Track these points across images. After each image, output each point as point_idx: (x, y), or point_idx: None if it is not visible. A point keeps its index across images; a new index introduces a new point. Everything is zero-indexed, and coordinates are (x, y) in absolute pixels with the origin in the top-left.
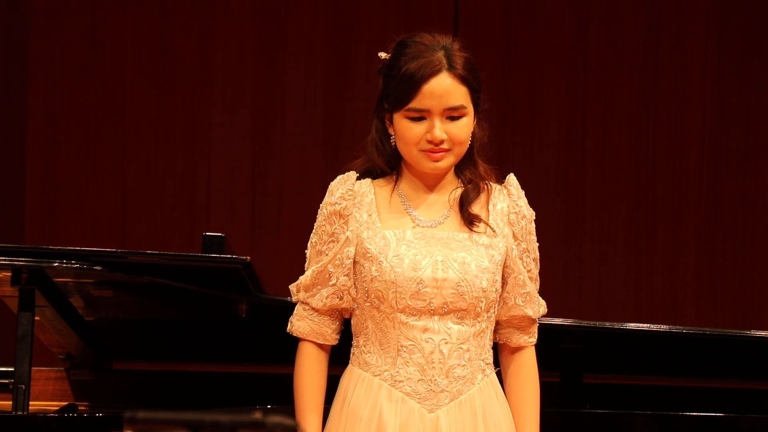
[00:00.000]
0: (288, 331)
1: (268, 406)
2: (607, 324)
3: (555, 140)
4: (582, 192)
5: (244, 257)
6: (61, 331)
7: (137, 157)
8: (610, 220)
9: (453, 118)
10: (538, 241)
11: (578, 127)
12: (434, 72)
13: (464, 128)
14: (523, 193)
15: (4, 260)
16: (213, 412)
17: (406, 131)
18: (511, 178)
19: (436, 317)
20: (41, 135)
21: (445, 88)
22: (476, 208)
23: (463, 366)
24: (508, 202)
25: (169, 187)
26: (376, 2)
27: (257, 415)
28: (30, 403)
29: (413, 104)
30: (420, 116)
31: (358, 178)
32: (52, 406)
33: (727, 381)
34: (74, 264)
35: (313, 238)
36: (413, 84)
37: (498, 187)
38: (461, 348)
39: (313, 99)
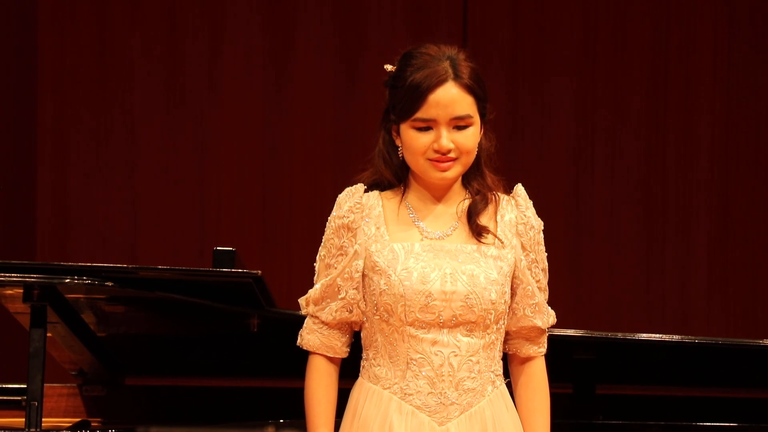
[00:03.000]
0: (298, 344)
1: (281, 420)
2: (619, 335)
3: (564, 150)
4: (591, 202)
5: (254, 271)
6: (73, 347)
7: (147, 172)
8: (620, 229)
9: (460, 128)
10: (548, 251)
11: (587, 137)
12: (440, 81)
13: (471, 137)
14: (530, 203)
15: (16, 277)
16: (226, 427)
17: (413, 141)
18: (519, 189)
19: (445, 330)
20: (51, 151)
21: (451, 97)
22: (484, 220)
23: (472, 378)
24: (516, 213)
25: (180, 202)
26: (385, 17)
27: (270, 430)
28: (43, 419)
29: (420, 114)
30: (427, 126)
31: (365, 191)
32: (65, 422)
33: (740, 391)
34: (85, 280)
35: (322, 251)
36: (419, 94)
37: (506, 197)
38: (471, 360)
39: (321, 113)
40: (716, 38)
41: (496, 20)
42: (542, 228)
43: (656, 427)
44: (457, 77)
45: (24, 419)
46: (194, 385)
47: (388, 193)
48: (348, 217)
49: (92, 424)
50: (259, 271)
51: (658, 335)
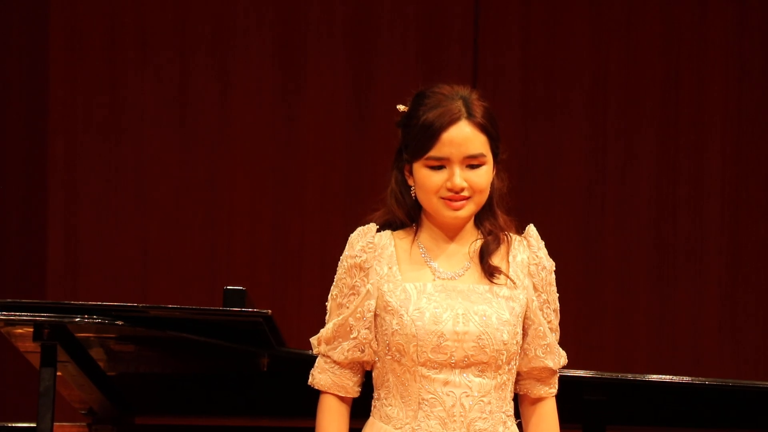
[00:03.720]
0: (309, 383)
1: None
2: (629, 376)
3: (575, 191)
4: (602, 242)
5: (265, 311)
6: (83, 386)
7: (158, 212)
8: (631, 270)
9: (473, 166)
10: (558, 291)
11: (599, 177)
12: (453, 120)
13: (484, 176)
14: (542, 243)
15: (26, 316)
16: None
17: (426, 180)
18: (531, 230)
19: (457, 370)
20: (62, 190)
21: (464, 136)
22: (496, 260)
23: (484, 419)
24: (528, 254)
25: (190, 240)
26: (396, 54)
27: None
28: None
29: (433, 152)
30: (440, 164)
31: (378, 230)
32: None
33: None
34: (96, 319)
35: (334, 290)
36: (432, 132)
37: (518, 238)
38: (482, 401)
39: (332, 151)
40: (727, 77)
41: (507, 60)
42: (554, 269)
43: None
44: (470, 116)
45: None
46: (204, 424)
47: (400, 233)
48: (360, 256)
49: None
50: (270, 311)
51: (668, 376)
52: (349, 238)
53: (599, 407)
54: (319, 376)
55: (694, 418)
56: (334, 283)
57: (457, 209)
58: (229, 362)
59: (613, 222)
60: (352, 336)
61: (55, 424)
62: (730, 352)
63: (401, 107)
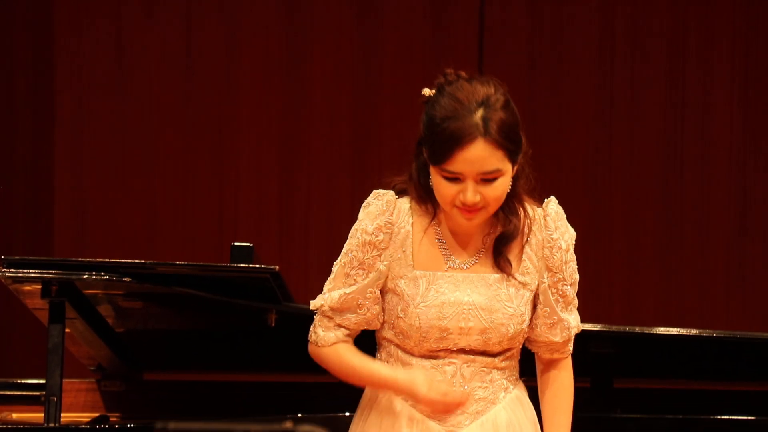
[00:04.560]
0: (311, 341)
1: (299, 415)
2: (637, 329)
3: (582, 148)
4: (610, 196)
5: (272, 267)
6: (91, 342)
7: (165, 169)
8: (639, 224)
9: (488, 180)
10: None
11: (605, 134)
12: (470, 140)
13: (499, 188)
14: (562, 219)
15: (34, 273)
16: (244, 421)
17: (440, 188)
18: (550, 207)
19: (460, 353)
20: (69, 148)
21: (480, 155)
22: (512, 248)
23: (484, 388)
24: (543, 235)
25: (197, 198)
26: (402, 16)
27: (288, 425)
28: (62, 414)
29: (447, 166)
30: (454, 177)
31: (397, 197)
32: (84, 417)
33: (758, 384)
34: (103, 275)
35: (343, 258)
36: (447, 147)
37: (537, 217)
38: (483, 371)
39: (339, 110)
40: (734, 43)
41: (513, 17)
42: (573, 241)
43: (674, 421)
44: (487, 134)
45: (43, 414)
46: (212, 380)
47: (418, 209)
48: (376, 236)
49: (111, 419)
50: (277, 267)
51: (675, 329)
52: (367, 204)
53: (606, 360)
54: (324, 333)
55: (701, 371)
56: (344, 250)
57: (469, 218)
58: (236, 318)
59: (620, 176)
60: (360, 311)
61: (64, 380)
62: (737, 304)
63: (426, 91)
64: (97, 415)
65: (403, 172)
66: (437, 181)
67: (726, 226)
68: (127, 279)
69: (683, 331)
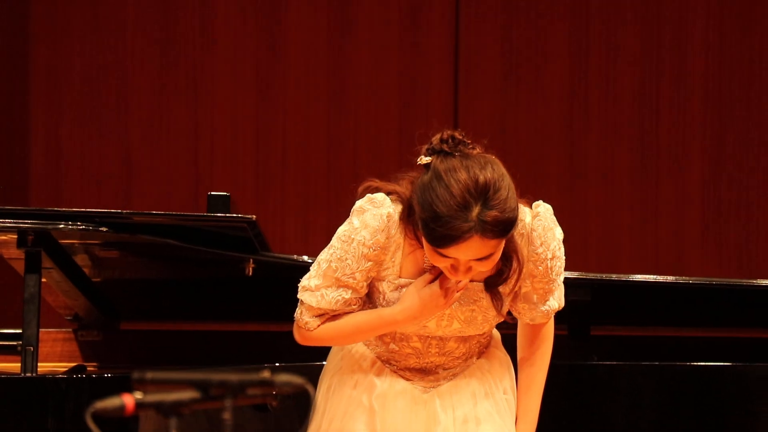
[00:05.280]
0: (302, 326)
1: (276, 364)
2: (614, 276)
3: (559, 92)
4: (586, 143)
5: (249, 216)
6: (68, 292)
7: (140, 118)
8: (615, 170)
9: (482, 258)
10: (542, 193)
11: (582, 78)
12: (465, 239)
13: (491, 263)
14: (549, 231)
15: (10, 223)
16: (221, 371)
17: (432, 258)
18: (537, 222)
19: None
20: (44, 97)
21: (475, 248)
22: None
23: (460, 350)
24: (528, 249)
25: (173, 146)
26: None
27: (266, 374)
28: (38, 364)
29: (440, 250)
30: (447, 256)
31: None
32: (61, 367)
33: (734, 330)
34: (80, 225)
35: (335, 262)
36: (442, 242)
37: (524, 232)
38: (460, 336)
39: (315, 53)
40: None
41: None
42: (561, 242)
43: (651, 367)
44: (483, 231)
45: (20, 364)
46: (189, 329)
47: (411, 230)
48: (374, 250)
49: (88, 368)
50: (254, 216)
51: (652, 276)
52: (362, 211)
53: (583, 308)
54: (310, 320)
55: (677, 317)
56: (336, 252)
57: (459, 280)
58: (213, 268)
59: (596, 122)
60: (350, 306)
61: (41, 330)
62: (713, 251)
63: (423, 159)
64: (74, 364)
65: (388, 178)
66: (429, 252)
67: (701, 171)
68: (104, 229)
69: (660, 278)
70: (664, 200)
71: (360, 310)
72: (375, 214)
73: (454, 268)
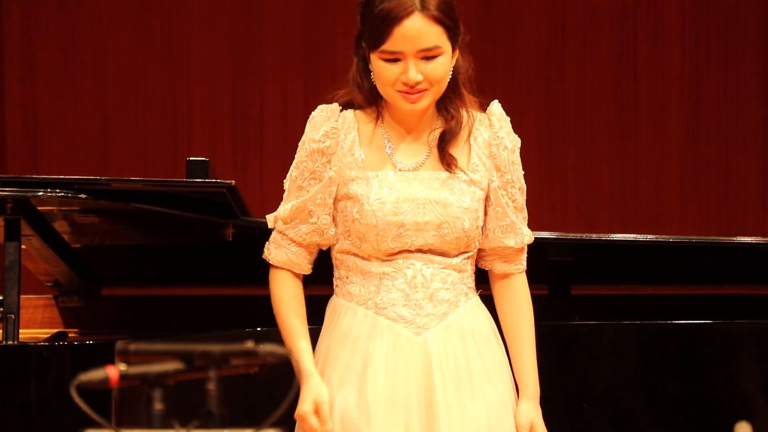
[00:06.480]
0: (264, 257)
1: (258, 328)
2: (593, 235)
3: (535, 52)
4: (564, 102)
5: (228, 181)
6: (48, 259)
7: (116, 84)
8: (593, 129)
9: (428, 58)
10: (522, 155)
11: (558, 37)
12: (406, 14)
13: (440, 67)
14: (506, 121)
15: None
16: (204, 338)
17: (382, 72)
18: (493, 107)
19: (417, 253)
20: (19, 64)
21: (418, 29)
22: (458, 145)
23: (446, 289)
24: (489, 133)
25: (150, 112)
26: None
27: (249, 344)
28: (19, 330)
29: (386, 46)
30: (394, 58)
31: (341, 109)
32: (42, 333)
33: (714, 287)
34: (58, 192)
35: (294, 172)
36: (385, 26)
37: (480, 117)
38: (443, 272)
39: (291, 21)
40: None
41: None
42: (519, 146)
43: (631, 326)
44: (424, 8)
45: (0, 332)
46: (171, 294)
47: (363, 115)
48: (323, 142)
49: (69, 334)
50: (233, 181)
51: (632, 235)
52: (311, 117)
53: (563, 268)
54: (275, 252)
55: (657, 276)
56: (294, 164)
57: (413, 102)
58: (193, 233)
59: (573, 81)
60: (311, 220)
61: (22, 296)
62: (693, 209)
63: None
64: (55, 331)
65: (345, 86)
66: (378, 67)
67: (680, 129)
68: (83, 195)
69: (639, 237)
70: (644, 157)
71: (320, 236)
72: (320, 109)
73: (405, 75)
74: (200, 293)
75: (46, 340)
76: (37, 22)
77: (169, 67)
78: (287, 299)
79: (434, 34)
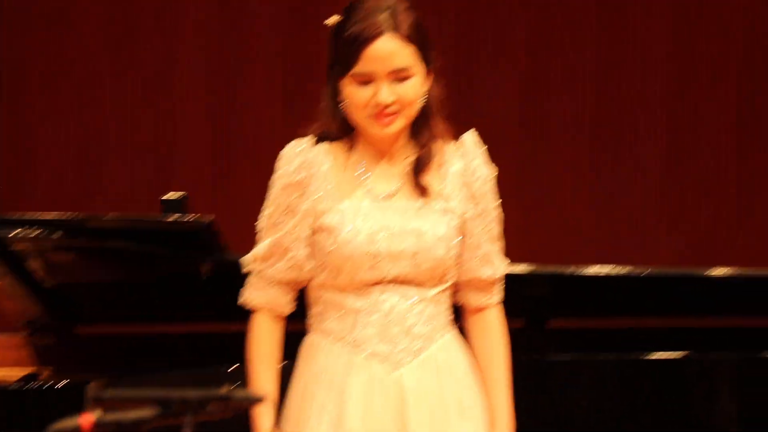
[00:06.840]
0: (240, 303)
1: (236, 365)
2: (571, 267)
3: (514, 80)
4: (539, 132)
5: (206, 217)
6: (21, 297)
7: (97, 118)
8: (568, 159)
9: (400, 80)
10: (499, 178)
11: (539, 66)
12: (377, 34)
13: (411, 89)
14: (480, 151)
15: None
16: (181, 380)
17: (353, 96)
18: (467, 137)
19: (392, 285)
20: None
21: (389, 50)
22: (431, 174)
23: (423, 324)
24: (462, 164)
25: (134, 140)
26: None
27: (224, 390)
28: None
29: (357, 68)
30: (366, 80)
31: (316, 142)
32: (13, 374)
33: (692, 320)
34: (34, 231)
35: (267, 209)
36: (355, 48)
37: (455, 145)
38: (420, 305)
39: (273, 53)
40: None
41: None
42: (494, 176)
43: (609, 359)
44: (394, 29)
45: None
46: (147, 332)
47: (336, 147)
48: (297, 175)
49: (43, 374)
50: (212, 216)
51: (608, 267)
52: (283, 153)
53: (539, 301)
54: (254, 294)
55: (634, 308)
56: (268, 202)
57: (385, 125)
58: (171, 269)
59: (550, 111)
60: (289, 255)
61: None
62: (669, 241)
63: (332, 19)
64: (28, 370)
65: (319, 119)
66: (350, 92)
67: (658, 160)
68: (58, 235)
69: (616, 270)
70: (620, 190)
71: (299, 271)
72: (290, 145)
73: (377, 96)
74: (178, 330)
75: (15, 383)
76: (26, 52)
77: (153, 96)
78: (259, 345)
79: (405, 55)
